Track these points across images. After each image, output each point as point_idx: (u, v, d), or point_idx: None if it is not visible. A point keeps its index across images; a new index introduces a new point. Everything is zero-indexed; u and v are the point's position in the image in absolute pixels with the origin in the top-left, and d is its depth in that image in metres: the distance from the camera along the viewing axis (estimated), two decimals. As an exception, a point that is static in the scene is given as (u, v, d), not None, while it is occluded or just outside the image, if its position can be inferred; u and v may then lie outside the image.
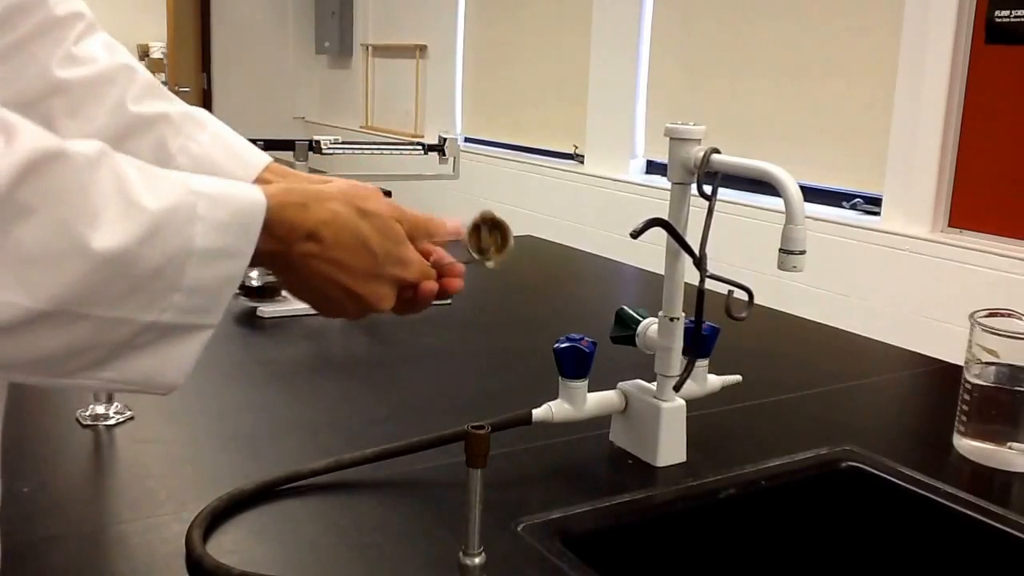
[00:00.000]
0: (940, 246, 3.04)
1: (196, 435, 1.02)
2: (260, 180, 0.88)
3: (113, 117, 0.84)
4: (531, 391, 0.98)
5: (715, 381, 1.03)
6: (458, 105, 5.73)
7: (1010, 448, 0.99)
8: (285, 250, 0.67)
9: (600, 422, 0.99)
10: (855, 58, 3.41)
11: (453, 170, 2.21)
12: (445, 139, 2.25)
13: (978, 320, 0.98)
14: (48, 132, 0.54)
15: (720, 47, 3.93)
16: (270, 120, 6.85)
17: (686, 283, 0.94)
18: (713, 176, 0.89)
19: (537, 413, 0.93)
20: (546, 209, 4.66)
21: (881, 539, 0.98)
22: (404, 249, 0.73)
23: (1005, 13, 2.87)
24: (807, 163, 3.52)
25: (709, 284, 0.90)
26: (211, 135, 0.90)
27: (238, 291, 0.65)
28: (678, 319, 0.95)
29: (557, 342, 0.93)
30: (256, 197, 0.63)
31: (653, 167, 4.35)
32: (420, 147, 2.37)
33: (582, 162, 4.66)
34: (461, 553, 0.68)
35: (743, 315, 0.90)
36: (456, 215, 0.84)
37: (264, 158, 0.91)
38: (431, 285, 0.77)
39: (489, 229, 0.84)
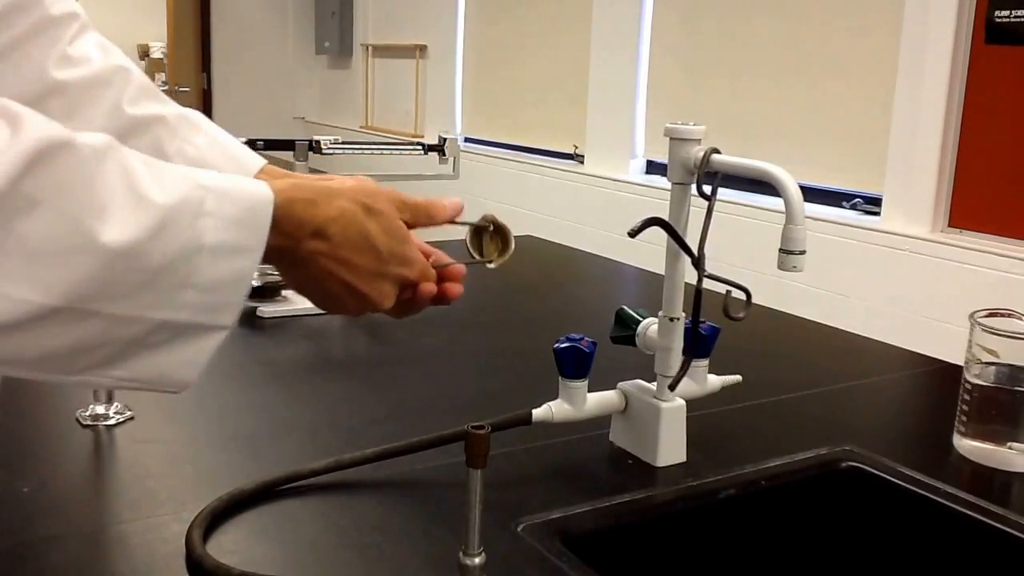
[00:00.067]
0: (940, 246, 3.04)
1: (196, 435, 1.02)
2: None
3: (110, 119, 0.84)
4: (531, 391, 0.98)
5: (715, 381, 1.02)
6: (458, 105, 5.73)
7: (1010, 448, 0.99)
8: (293, 246, 0.67)
9: (600, 422, 0.99)
10: (855, 58, 3.41)
11: (453, 170, 2.21)
12: (445, 139, 2.25)
13: (978, 320, 0.98)
14: (54, 122, 0.53)
15: (720, 47, 3.93)
16: (270, 120, 6.85)
17: (686, 283, 0.94)
18: (713, 176, 0.89)
19: (537, 413, 0.93)
20: (546, 209, 4.66)
21: (881, 539, 0.98)
22: (408, 248, 0.73)
23: (1005, 13, 2.87)
24: (807, 163, 3.52)
25: (710, 284, 0.90)
26: (207, 137, 0.89)
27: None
28: (678, 319, 0.94)
29: (557, 342, 0.93)
30: (264, 192, 0.63)
31: (653, 167, 4.35)
32: (420, 147, 2.37)
33: (582, 162, 4.66)
34: (461, 553, 0.68)
35: (741, 315, 0.90)
36: (465, 224, 0.84)
37: (259, 160, 0.91)
38: (430, 287, 0.77)
39: (491, 233, 0.84)
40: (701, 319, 0.95)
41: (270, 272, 1.08)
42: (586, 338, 0.93)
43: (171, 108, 0.89)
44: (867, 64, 3.36)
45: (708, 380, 1.02)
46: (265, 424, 1.05)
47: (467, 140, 5.48)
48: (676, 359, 0.95)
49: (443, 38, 5.75)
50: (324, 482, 0.88)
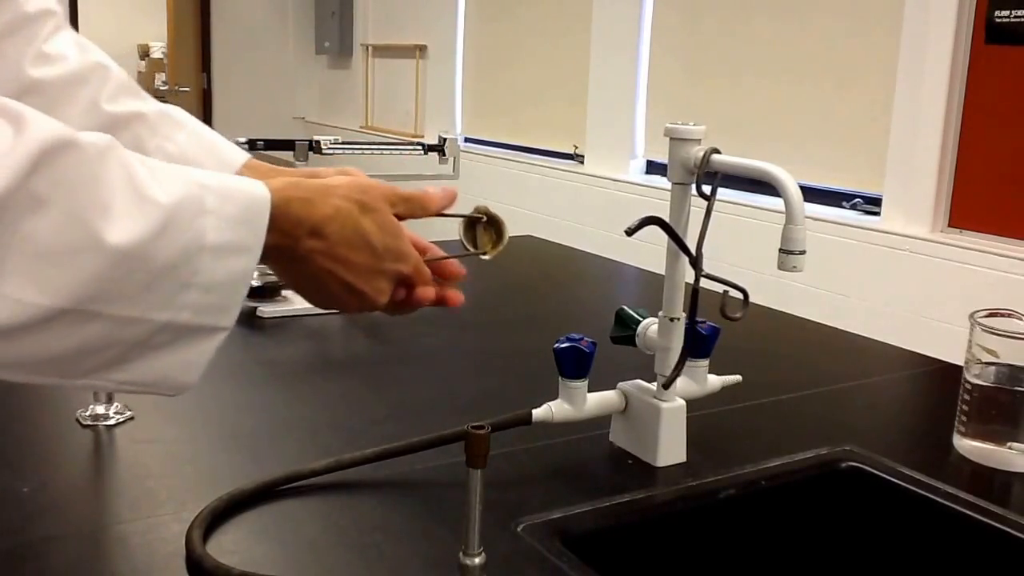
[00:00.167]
0: (940, 246, 3.04)
1: (196, 435, 1.02)
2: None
3: (88, 117, 0.83)
4: (531, 391, 0.98)
5: (715, 381, 1.02)
6: (458, 105, 5.73)
7: (1010, 448, 0.99)
8: (291, 245, 0.66)
9: (600, 422, 0.99)
10: (855, 58, 3.41)
11: (453, 170, 2.21)
12: (445, 139, 2.25)
13: (978, 320, 0.98)
14: (56, 121, 0.53)
15: (720, 47, 3.93)
16: (270, 120, 6.85)
17: (686, 283, 0.94)
18: (713, 176, 0.89)
19: (537, 413, 0.93)
20: (546, 209, 4.66)
21: (881, 539, 0.98)
22: (402, 244, 0.74)
23: (1005, 13, 2.87)
24: (807, 163, 3.52)
25: (710, 284, 0.90)
26: (188, 133, 0.89)
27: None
28: (678, 319, 0.94)
29: (557, 342, 0.93)
30: (261, 192, 0.63)
31: (653, 167, 4.35)
32: (420, 147, 2.37)
33: (582, 162, 4.66)
34: (461, 553, 0.68)
35: (738, 315, 0.90)
36: (458, 216, 0.84)
37: (242, 155, 0.91)
38: (427, 292, 0.77)
39: (485, 224, 0.84)
40: (702, 319, 0.96)
41: (270, 272, 1.09)
42: (586, 338, 0.93)
43: (151, 105, 0.88)
44: (867, 64, 3.36)
45: (708, 380, 1.02)
46: (265, 424, 1.05)
47: (467, 140, 5.48)
48: (676, 359, 0.95)
49: (443, 38, 5.74)
50: (324, 482, 0.87)
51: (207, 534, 0.77)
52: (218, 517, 0.80)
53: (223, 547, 0.76)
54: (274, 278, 1.39)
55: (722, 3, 3.92)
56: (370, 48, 6.62)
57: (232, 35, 7.32)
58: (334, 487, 0.88)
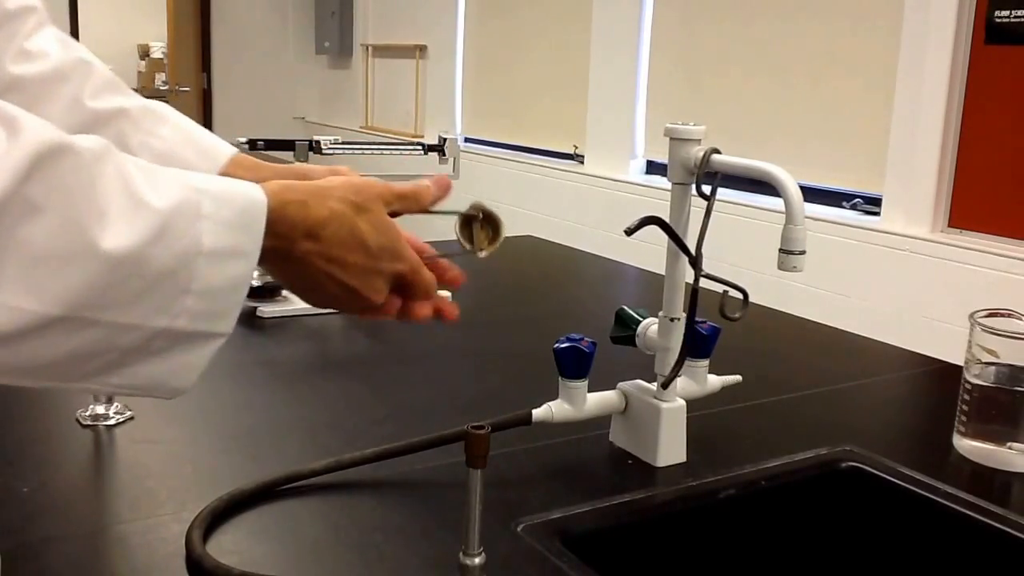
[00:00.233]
0: (940, 246, 3.04)
1: (196, 435, 1.02)
2: (225, 173, 0.87)
3: (69, 114, 0.83)
4: (531, 391, 0.98)
5: (715, 381, 1.02)
6: (458, 105, 5.73)
7: (1010, 448, 0.99)
8: (287, 247, 0.66)
9: (600, 422, 0.99)
10: (855, 58, 3.41)
11: (453, 170, 2.21)
12: (445, 139, 2.25)
13: (978, 320, 0.98)
14: (50, 124, 0.52)
15: (720, 47, 3.93)
16: (270, 120, 6.85)
17: (686, 283, 0.94)
18: (713, 176, 0.89)
19: (537, 413, 0.93)
20: (546, 209, 4.66)
21: (881, 539, 0.98)
22: (398, 243, 0.73)
23: (1005, 13, 2.87)
24: (807, 163, 3.52)
25: (710, 284, 0.90)
26: (172, 128, 0.88)
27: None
28: (678, 319, 0.94)
29: (557, 342, 0.93)
30: (257, 195, 0.63)
31: (653, 167, 4.35)
32: (420, 147, 2.37)
33: (582, 162, 4.66)
34: (461, 553, 0.68)
35: (737, 315, 0.90)
36: (454, 213, 0.84)
37: (229, 149, 0.90)
38: (424, 309, 0.77)
39: (481, 222, 0.84)
40: (702, 320, 0.96)
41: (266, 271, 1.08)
42: (586, 338, 0.93)
43: (135, 101, 0.88)
44: (867, 64, 3.36)
45: (708, 380, 1.02)
46: (265, 424, 1.05)
47: (467, 140, 5.48)
48: (676, 359, 0.95)
49: (443, 38, 5.75)
50: (324, 482, 0.88)
51: (207, 534, 0.77)
52: (218, 517, 0.80)
53: (223, 547, 0.76)
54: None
55: (722, 3, 3.92)
56: (370, 48, 6.62)
57: (232, 35, 7.32)
58: (334, 487, 0.88)
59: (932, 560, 0.94)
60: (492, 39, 5.45)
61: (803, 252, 0.84)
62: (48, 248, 0.51)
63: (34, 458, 0.94)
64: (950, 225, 3.09)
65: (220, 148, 0.90)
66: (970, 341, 0.99)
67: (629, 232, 0.85)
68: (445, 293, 1.28)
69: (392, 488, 0.89)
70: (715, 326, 0.98)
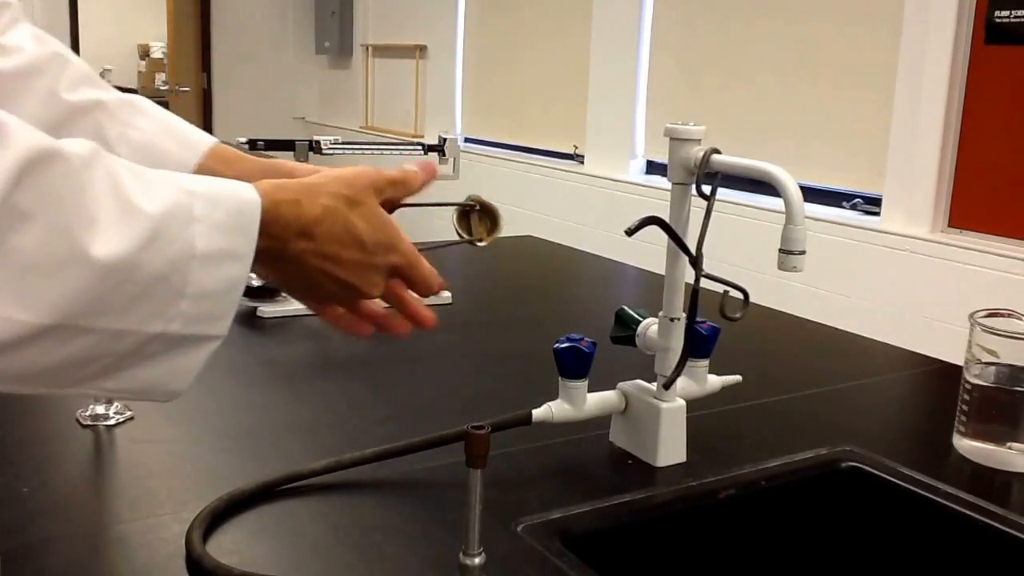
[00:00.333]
0: (940, 246, 3.04)
1: (196, 435, 1.02)
2: (204, 167, 0.86)
3: (45, 107, 0.82)
4: (531, 391, 0.98)
5: (715, 381, 1.02)
6: (458, 105, 5.73)
7: (1010, 448, 0.99)
8: (280, 247, 0.66)
9: (600, 422, 0.99)
10: (855, 58, 3.41)
11: (453, 170, 2.21)
12: (445, 139, 2.25)
13: (978, 320, 0.98)
14: (39, 130, 0.52)
15: (720, 47, 3.93)
16: (270, 120, 6.85)
17: (686, 283, 0.94)
18: (713, 176, 0.89)
19: (537, 413, 0.93)
20: (546, 209, 4.66)
21: (881, 539, 0.98)
22: (392, 235, 0.72)
23: (1005, 13, 2.87)
24: (807, 163, 3.52)
25: (710, 284, 0.90)
26: (151, 119, 0.87)
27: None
28: (678, 319, 0.94)
29: (557, 342, 0.93)
30: (250, 196, 0.62)
31: (653, 167, 4.35)
32: (420, 147, 2.37)
33: (582, 162, 4.66)
34: (461, 553, 0.68)
35: (738, 315, 0.90)
36: (452, 205, 0.84)
37: (209, 139, 0.89)
38: (404, 325, 0.77)
39: (479, 213, 0.84)
40: (702, 320, 0.96)
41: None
42: (586, 338, 0.93)
43: (112, 94, 0.87)
44: (867, 64, 3.36)
45: (708, 380, 1.02)
46: (265, 424, 1.05)
47: (467, 140, 5.48)
48: (676, 359, 0.95)
49: (443, 38, 5.75)
50: (324, 482, 0.88)
51: (207, 534, 0.77)
52: (218, 517, 0.80)
53: (223, 547, 0.76)
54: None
55: (722, 3, 3.92)
56: (370, 48, 6.62)
57: (232, 35, 7.32)
58: (334, 487, 0.88)
59: (932, 560, 0.94)
60: (492, 39, 5.45)
61: (803, 252, 0.84)
62: (39, 257, 0.50)
63: (34, 458, 0.94)
64: (950, 225, 3.09)
65: (200, 138, 0.89)
66: (970, 341, 0.99)
67: (630, 232, 0.85)
68: (445, 293, 1.29)
69: (392, 488, 0.89)
70: (715, 326, 0.98)
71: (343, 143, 2.18)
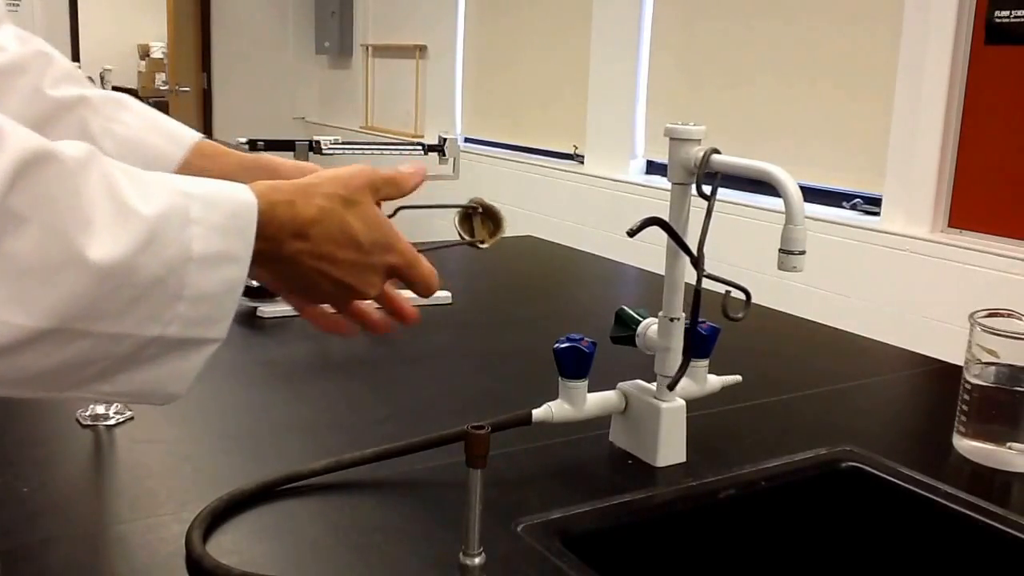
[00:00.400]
0: (940, 246, 3.04)
1: (196, 435, 1.02)
2: (187, 162, 0.86)
3: (30, 104, 0.82)
4: (531, 391, 0.98)
5: (715, 381, 1.02)
6: (458, 105, 5.73)
7: (1010, 448, 0.99)
8: (275, 249, 0.65)
9: (600, 422, 0.99)
10: (855, 58, 3.41)
11: (453, 170, 2.21)
12: (445, 139, 2.25)
13: (978, 320, 0.98)
14: (34, 133, 0.51)
15: (720, 47, 3.93)
16: (270, 120, 6.85)
17: (687, 283, 0.94)
18: (713, 176, 0.89)
19: (537, 413, 0.93)
20: (546, 209, 4.66)
21: (881, 539, 0.98)
22: (389, 235, 0.72)
23: (1005, 13, 2.87)
24: (807, 163, 3.52)
25: (710, 284, 0.90)
26: (135, 115, 0.87)
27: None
28: (678, 319, 0.94)
29: (557, 342, 0.93)
30: (247, 197, 0.62)
31: (653, 167, 4.35)
32: (420, 147, 2.37)
33: (582, 162, 4.66)
34: (461, 553, 0.68)
35: (740, 315, 0.90)
36: (455, 207, 0.84)
37: (193, 134, 0.89)
38: (385, 322, 0.76)
39: (482, 216, 0.84)
40: (702, 319, 0.96)
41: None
42: (586, 338, 0.93)
43: (96, 91, 0.87)
44: (867, 64, 3.36)
45: (708, 380, 1.02)
46: (265, 424, 1.05)
47: (467, 140, 5.48)
48: (676, 359, 0.95)
49: (443, 38, 5.75)
50: (324, 482, 0.88)
51: (207, 534, 0.77)
52: (218, 517, 0.80)
53: (223, 547, 0.76)
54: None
55: (722, 3, 3.92)
56: (370, 48, 6.62)
57: (232, 35, 7.32)
58: (334, 487, 0.88)
59: (932, 560, 0.94)
60: (492, 39, 5.45)
61: (803, 252, 0.84)
62: (34, 260, 0.50)
63: (34, 458, 0.94)
64: (950, 225, 3.09)
65: (185, 132, 0.88)
66: (970, 341, 0.99)
67: (632, 234, 0.85)
68: (445, 293, 1.30)
69: (392, 488, 0.89)
70: (715, 326, 0.98)
71: (343, 143, 2.18)
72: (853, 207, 3.42)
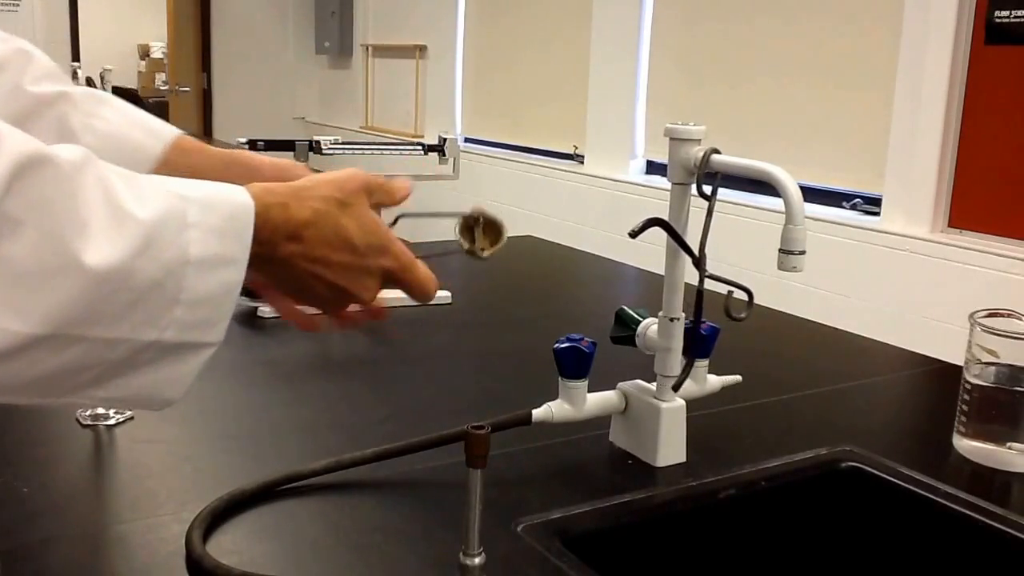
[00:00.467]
0: (940, 246, 3.04)
1: (196, 435, 1.02)
2: (166, 159, 0.85)
3: (11, 101, 0.82)
4: (531, 391, 0.98)
5: (715, 381, 1.02)
6: (458, 105, 5.73)
7: (1010, 448, 0.99)
8: (269, 252, 0.64)
9: (600, 422, 0.99)
10: (855, 58, 3.41)
11: (453, 170, 2.21)
12: (445, 139, 2.25)
13: (978, 320, 0.98)
14: (30, 136, 0.51)
15: (720, 47, 3.93)
16: (270, 120, 6.86)
17: (687, 283, 0.94)
18: (713, 176, 0.89)
19: (537, 413, 0.93)
20: (546, 209, 4.66)
21: (881, 539, 0.98)
22: (383, 237, 0.71)
23: (1005, 13, 2.87)
24: (807, 163, 3.52)
25: (710, 284, 0.90)
26: (115, 110, 0.86)
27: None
28: (678, 319, 0.94)
29: (557, 342, 0.93)
30: (243, 199, 0.61)
31: (653, 167, 4.35)
32: (420, 147, 2.37)
33: (582, 162, 4.66)
34: (461, 553, 0.68)
35: (742, 316, 0.90)
36: (455, 215, 0.84)
37: (172, 129, 0.89)
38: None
39: (481, 225, 0.84)
40: (702, 319, 0.95)
41: None
42: (586, 338, 0.93)
43: (77, 88, 0.87)
44: (867, 64, 3.36)
45: (708, 380, 1.02)
46: (265, 424, 1.05)
47: (467, 140, 5.48)
48: (676, 359, 0.95)
49: (443, 38, 5.75)
50: (324, 482, 0.87)
51: (207, 534, 0.77)
52: (218, 517, 0.80)
53: (223, 547, 0.76)
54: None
55: (722, 3, 3.92)
56: (370, 48, 6.62)
57: (232, 35, 7.33)
58: (334, 487, 0.88)
59: (932, 560, 0.94)
60: (492, 39, 5.45)
61: (803, 252, 0.84)
62: (30, 265, 0.49)
63: (34, 458, 0.94)
64: (950, 225, 3.09)
65: (164, 128, 0.88)
66: (970, 341, 0.99)
67: (633, 235, 0.85)
68: (445, 293, 1.30)
69: (392, 488, 0.89)
70: (714, 326, 0.98)
71: (343, 143, 2.18)
72: (853, 207, 3.42)
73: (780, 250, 0.84)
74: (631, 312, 1.01)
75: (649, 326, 0.99)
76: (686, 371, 0.95)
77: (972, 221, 3.03)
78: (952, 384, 1.05)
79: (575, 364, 0.92)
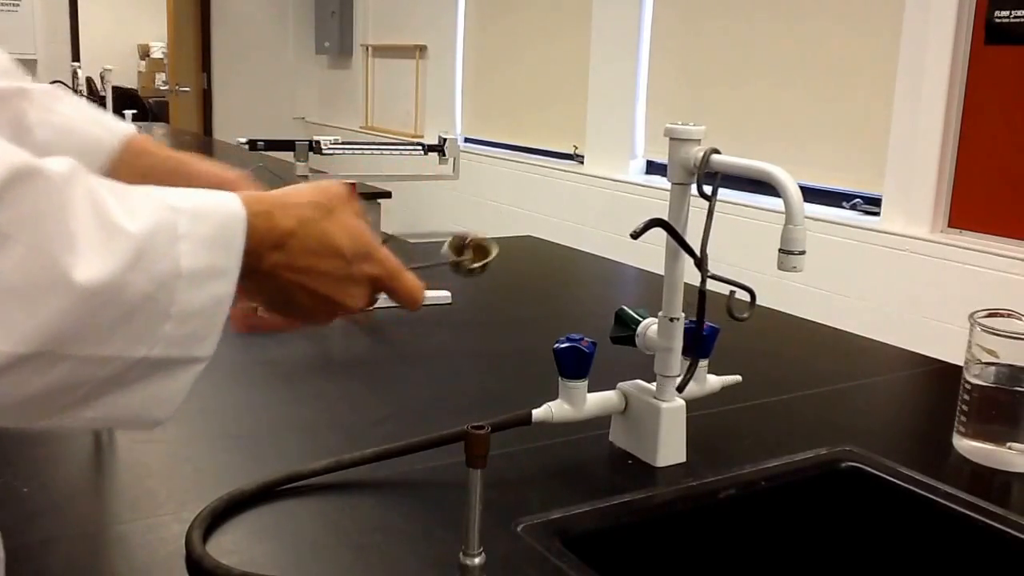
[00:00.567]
0: (940, 246, 3.04)
1: (196, 435, 1.02)
2: (124, 162, 0.84)
3: None
4: (531, 391, 0.98)
5: (715, 381, 1.02)
6: (458, 105, 5.73)
7: (1010, 448, 0.99)
8: (255, 263, 0.63)
9: (600, 422, 0.99)
10: (855, 58, 3.41)
11: (453, 170, 2.21)
12: (445, 139, 2.25)
13: (978, 320, 0.98)
14: (15, 146, 0.49)
15: (720, 47, 3.93)
16: (270, 120, 6.86)
17: (687, 283, 0.94)
18: (713, 176, 0.89)
19: (537, 413, 0.93)
20: (546, 209, 4.66)
21: (881, 539, 0.98)
22: (368, 244, 0.70)
23: (1005, 13, 2.87)
24: (807, 163, 3.52)
25: (710, 284, 0.90)
26: (71, 106, 0.85)
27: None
28: (678, 319, 0.94)
29: (557, 342, 0.93)
30: (234, 208, 0.60)
31: (653, 167, 4.35)
32: (420, 147, 2.37)
33: (582, 162, 4.67)
34: (461, 553, 0.68)
35: (745, 315, 0.90)
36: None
37: (128, 127, 0.87)
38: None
39: (472, 249, 0.84)
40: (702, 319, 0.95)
41: None
42: (586, 338, 0.93)
43: (35, 85, 0.87)
44: (867, 64, 3.36)
45: (708, 380, 1.02)
46: (265, 424, 1.05)
47: (467, 140, 5.48)
48: (676, 359, 0.95)
49: (443, 38, 5.75)
50: (324, 482, 0.88)
51: (207, 534, 0.77)
52: (218, 517, 0.80)
53: (223, 547, 0.76)
54: None
55: (722, 3, 3.92)
56: (370, 48, 6.63)
57: (232, 35, 7.33)
58: (334, 487, 0.88)
59: (932, 560, 0.94)
60: (492, 39, 5.45)
61: (803, 252, 0.84)
62: (17, 281, 0.47)
63: (34, 458, 0.94)
64: (950, 225, 3.09)
65: (120, 124, 0.87)
66: (970, 341, 0.99)
67: (635, 236, 0.85)
68: (445, 293, 1.30)
69: (392, 488, 0.89)
70: (714, 326, 0.98)
71: (343, 143, 2.18)
72: (853, 207, 3.42)
73: (780, 250, 0.84)
74: (631, 312, 1.01)
75: (649, 326, 0.99)
76: (690, 372, 0.95)
77: (972, 221, 3.04)
78: (952, 384, 1.05)
79: (575, 364, 0.92)
